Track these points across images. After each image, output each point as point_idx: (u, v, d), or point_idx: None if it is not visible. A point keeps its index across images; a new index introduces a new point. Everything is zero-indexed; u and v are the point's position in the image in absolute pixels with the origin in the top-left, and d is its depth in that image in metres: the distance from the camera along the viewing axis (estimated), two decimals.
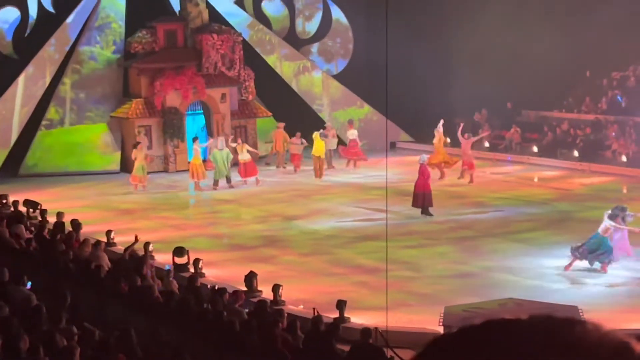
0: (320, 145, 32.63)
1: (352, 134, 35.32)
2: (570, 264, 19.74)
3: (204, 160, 32.00)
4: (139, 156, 31.21)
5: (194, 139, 32.49)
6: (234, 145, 32.33)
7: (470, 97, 36.50)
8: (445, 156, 31.36)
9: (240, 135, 35.50)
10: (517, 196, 28.74)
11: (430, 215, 25.85)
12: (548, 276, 19.62)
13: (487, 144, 36.04)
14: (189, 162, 32.23)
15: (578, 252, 19.68)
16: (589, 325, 1.49)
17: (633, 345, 1.51)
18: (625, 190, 29.28)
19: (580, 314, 14.97)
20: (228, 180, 31.40)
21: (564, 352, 1.44)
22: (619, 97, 36.55)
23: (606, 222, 19.69)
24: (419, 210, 26.05)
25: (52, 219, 22.92)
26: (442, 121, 32.30)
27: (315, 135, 32.93)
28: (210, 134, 34.72)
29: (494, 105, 38.14)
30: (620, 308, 17.43)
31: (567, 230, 23.53)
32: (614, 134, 33.76)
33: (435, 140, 31.87)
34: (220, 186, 31.15)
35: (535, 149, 35.22)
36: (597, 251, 19.54)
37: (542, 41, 36.01)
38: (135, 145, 31.98)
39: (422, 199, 25.99)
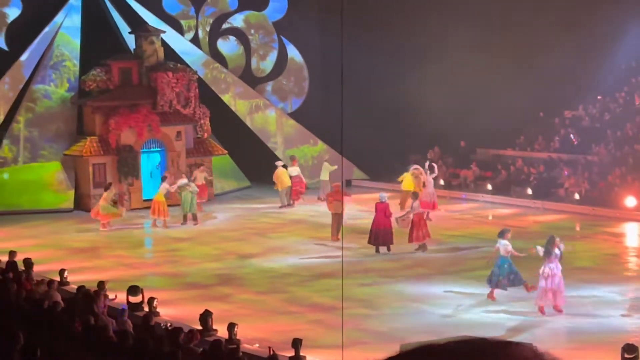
0: (409, 180, 31.74)
1: (295, 170, 35.24)
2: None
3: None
4: (104, 198, 30.91)
5: (164, 177, 32.49)
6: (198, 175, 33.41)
7: (425, 135, 36.80)
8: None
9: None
10: (471, 234, 28.89)
11: (387, 252, 25.98)
12: (501, 313, 19.69)
13: (442, 182, 36.26)
14: (145, 200, 32.06)
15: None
16: (524, 347, 1.51)
17: None
18: (578, 228, 29.56)
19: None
20: (194, 217, 31.40)
21: None
22: (572, 135, 36.99)
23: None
24: (374, 248, 26.15)
25: (4, 258, 22.66)
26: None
27: (410, 174, 32.03)
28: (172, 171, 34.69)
29: (449, 144, 38.43)
30: (573, 345, 17.54)
31: (520, 268, 23.62)
32: (566, 172, 34.12)
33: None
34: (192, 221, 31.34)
35: (489, 186, 35.47)
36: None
37: (497, 81, 36.41)
38: (107, 187, 31.58)
39: (375, 235, 26.12)
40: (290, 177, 34.98)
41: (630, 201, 30.74)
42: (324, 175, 35.31)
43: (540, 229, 29.27)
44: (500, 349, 1.46)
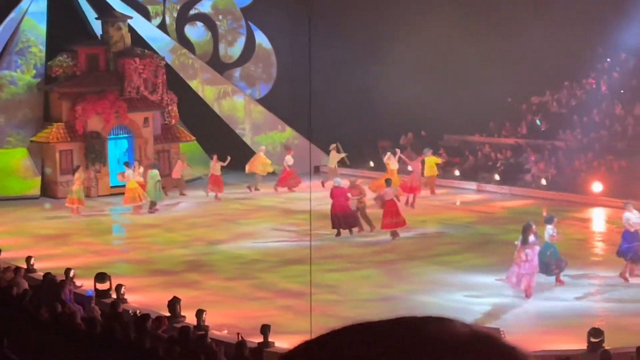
0: (431, 163, 32.53)
1: (290, 159, 35.02)
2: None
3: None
4: (77, 179, 30.83)
5: (126, 163, 32.18)
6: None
7: (393, 120, 36.84)
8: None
9: (163, 160, 35.38)
10: (439, 219, 28.99)
11: (349, 234, 26.33)
12: (469, 298, 19.80)
13: (409, 168, 36.30)
14: (112, 187, 31.90)
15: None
16: (457, 323, 1.50)
17: (499, 338, 1.52)
18: (544, 213, 29.65)
19: (502, 335, 15.10)
20: (153, 204, 31.28)
21: (429, 346, 1.44)
22: (537, 122, 37.19)
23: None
24: (343, 234, 26.29)
25: None
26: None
27: (428, 156, 32.90)
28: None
29: (418, 130, 38.52)
30: (540, 329, 17.67)
31: (488, 253, 23.83)
32: (533, 158, 34.28)
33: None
34: (148, 209, 31.15)
35: (456, 172, 35.58)
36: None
37: (465, 67, 36.50)
38: (76, 170, 31.59)
39: (338, 219, 26.29)
40: (288, 166, 34.71)
41: (596, 186, 30.95)
42: (332, 163, 35.21)
43: (508, 215, 29.44)
44: (431, 324, 1.47)
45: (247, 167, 34.98)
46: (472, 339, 1.47)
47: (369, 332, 1.52)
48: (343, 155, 35.49)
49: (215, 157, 33.81)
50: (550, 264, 20.16)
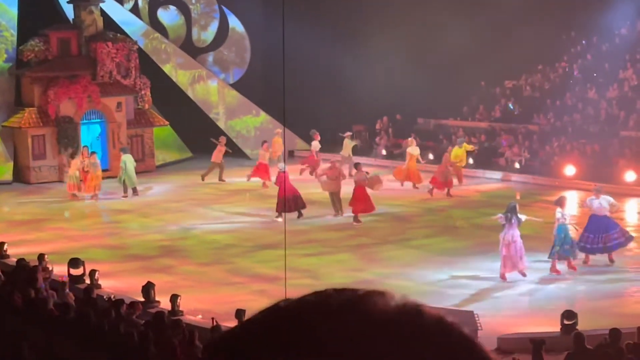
0: (459, 152, 31.96)
1: (317, 144, 34.79)
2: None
3: (105, 170, 31.96)
4: (73, 165, 30.80)
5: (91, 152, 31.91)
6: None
7: (368, 105, 36.85)
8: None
9: (137, 145, 35.22)
10: (413, 203, 29.05)
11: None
12: (444, 282, 19.86)
13: (384, 152, 36.39)
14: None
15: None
16: (387, 297, 1.49)
17: (428, 311, 1.50)
18: (518, 197, 29.78)
19: (476, 318, 15.18)
20: (134, 190, 31.13)
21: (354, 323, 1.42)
22: (510, 106, 37.30)
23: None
24: (318, 218, 26.28)
25: None
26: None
27: (465, 146, 32.46)
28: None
29: (392, 114, 38.56)
30: (514, 312, 17.75)
31: (462, 237, 23.90)
32: (504, 141, 34.39)
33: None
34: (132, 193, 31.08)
35: (431, 156, 35.61)
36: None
37: (439, 51, 36.52)
38: (72, 155, 31.61)
39: (289, 202, 26.29)
40: (315, 151, 34.42)
41: (569, 170, 31.10)
42: (345, 151, 34.76)
43: (481, 198, 29.54)
44: (362, 300, 1.45)
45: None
46: (399, 313, 1.44)
47: (295, 313, 1.50)
48: (355, 142, 35.33)
49: (265, 145, 33.20)
50: (560, 248, 20.12)
